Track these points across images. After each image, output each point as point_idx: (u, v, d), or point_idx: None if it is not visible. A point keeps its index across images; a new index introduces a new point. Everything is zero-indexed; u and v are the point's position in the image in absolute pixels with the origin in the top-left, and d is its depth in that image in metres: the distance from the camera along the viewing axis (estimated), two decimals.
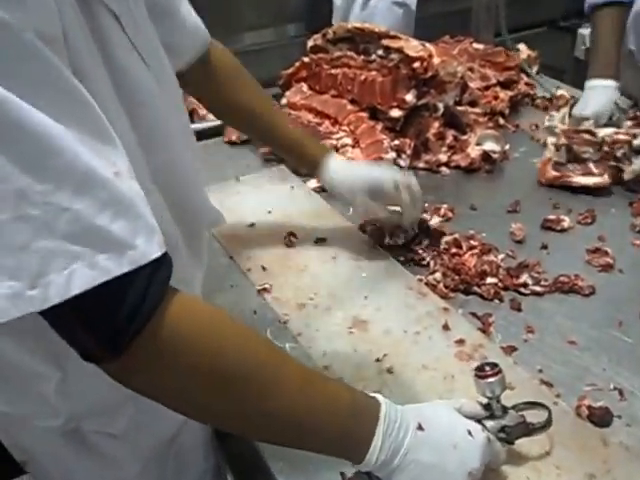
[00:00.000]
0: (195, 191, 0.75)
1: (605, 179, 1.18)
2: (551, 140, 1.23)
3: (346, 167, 1.02)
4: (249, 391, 0.54)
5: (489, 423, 0.65)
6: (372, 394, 0.63)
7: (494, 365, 0.67)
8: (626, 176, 1.18)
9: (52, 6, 0.46)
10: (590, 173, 1.19)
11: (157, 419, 0.70)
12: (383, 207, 1.00)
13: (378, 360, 0.84)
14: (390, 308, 0.94)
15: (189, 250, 0.73)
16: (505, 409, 0.66)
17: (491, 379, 0.65)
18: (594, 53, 1.38)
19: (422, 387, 0.80)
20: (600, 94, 1.32)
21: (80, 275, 0.44)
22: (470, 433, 0.62)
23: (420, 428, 0.60)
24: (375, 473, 0.60)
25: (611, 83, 1.32)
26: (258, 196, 1.22)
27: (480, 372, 0.66)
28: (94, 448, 0.71)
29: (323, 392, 0.58)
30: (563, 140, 1.20)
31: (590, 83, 1.34)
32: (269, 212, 1.16)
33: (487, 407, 0.66)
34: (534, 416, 0.69)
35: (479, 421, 0.65)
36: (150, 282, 0.48)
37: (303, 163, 1.06)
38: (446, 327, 0.89)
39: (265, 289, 0.98)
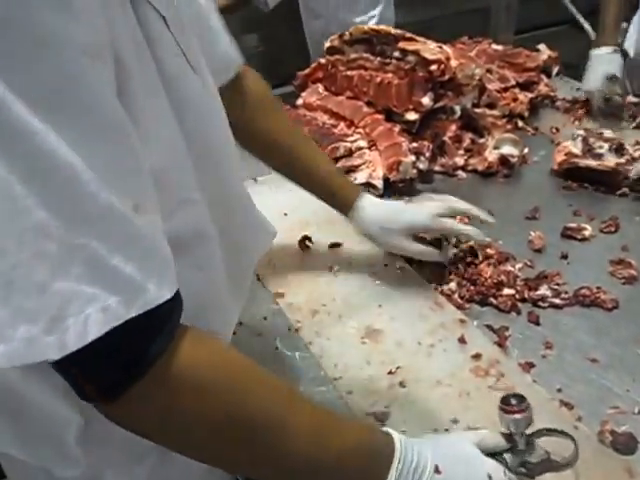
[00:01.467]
0: (244, 207, 0.71)
1: (615, 165, 1.15)
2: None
3: (380, 207, 0.96)
4: (260, 441, 0.51)
5: (509, 456, 0.61)
6: (387, 430, 0.60)
7: (521, 399, 0.61)
8: (632, 174, 1.15)
9: (99, 11, 0.43)
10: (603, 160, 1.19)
11: (180, 470, 0.67)
12: (420, 246, 0.95)
13: (390, 373, 0.82)
14: (404, 318, 0.91)
15: (231, 274, 0.67)
16: (529, 443, 0.62)
17: (517, 415, 0.60)
18: (599, 24, 1.46)
19: (435, 404, 0.77)
20: (601, 63, 1.38)
21: (94, 319, 0.41)
22: (490, 478, 0.58)
23: (437, 471, 0.56)
24: None
25: (608, 49, 1.39)
26: (275, 198, 1.19)
27: (506, 406, 0.61)
28: None
29: (339, 438, 0.55)
30: (581, 132, 1.19)
31: (593, 52, 1.42)
32: (285, 215, 1.14)
33: (509, 438, 0.62)
34: (556, 444, 0.64)
35: (500, 453, 0.61)
36: (158, 326, 0.46)
37: (333, 202, 0.97)
38: (462, 340, 0.86)
39: (278, 294, 0.97)
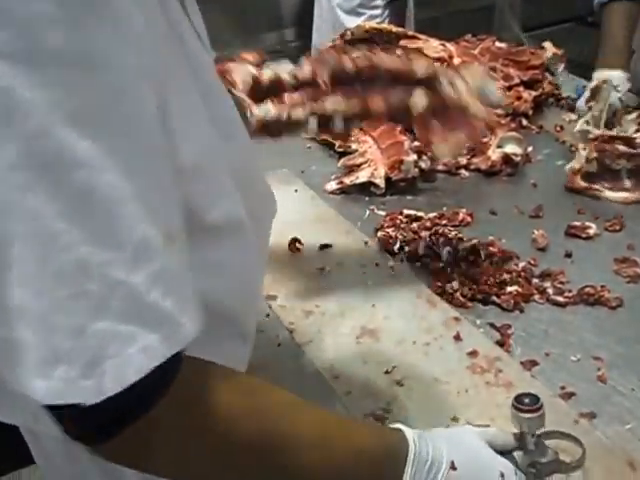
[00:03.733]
0: (262, 181, 0.70)
1: (637, 195, 1.12)
2: (582, 146, 1.16)
3: None
4: (263, 462, 0.49)
5: (519, 454, 0.59)
6: (398, 426, 0.58)
7: (535, 399, 0.60)
8: None
9: (146, 27, 0.41)
10: (622, 188, 1.13)
11: None
12: None
13: (387, 372, 0.80)
14: (398, 317, 0.90)
15: (259, 243, 0.66)
16: (538, 443, 0.60)
17: (529, 415, 0.59)
18: (603, 45, 1.34)
19: (434, 402, 0.76)
20: (607, 86, 1.27)
21: (135, 361, 0.39)
22: (503, 476, 0.56)
23: (453, 467, 0.54)
24: None
25: (619, 74, 1.28)
26: None
27: (519, 404, 0.60)
28: None
29: (347, 443, 0.53)
30: (594, 154, 1.13)
31: (597, 74, 1.31)
32: None
33: (520, 438, 0.60)
34: (565, 447, 0.63)
35: (509, 452, 0.59)
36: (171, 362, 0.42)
37: None
38: (457, 338, 0.84)
39: (270, 296, 0.95)
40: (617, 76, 1.28)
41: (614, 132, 1.18)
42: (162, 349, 0.40)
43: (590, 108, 1.24)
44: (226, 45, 1.79)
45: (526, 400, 0.60)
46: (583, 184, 1.14)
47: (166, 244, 0.41)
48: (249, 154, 0.65)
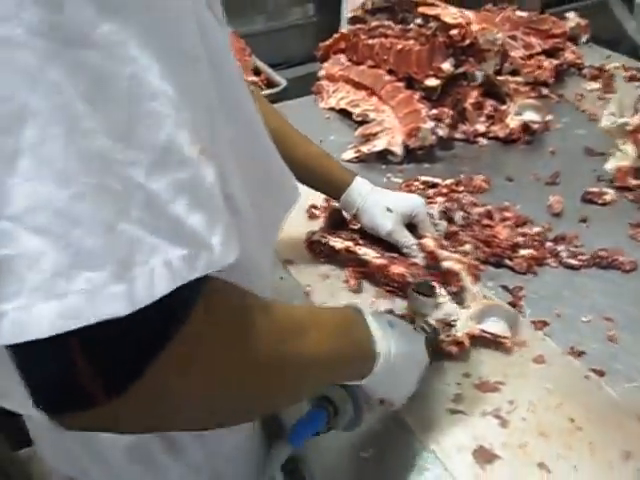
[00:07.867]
0: (273, 163, 0.66)
1: None
2: (622, 141, 1.08)
3: (375, 191, 0.93)
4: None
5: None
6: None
7: (431, 287, 0.75)
8: None
9: None
10: None
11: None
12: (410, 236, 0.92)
13: None
14: None
15: (261, 233, 0.62)
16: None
17: (424, 298, 0.74)
18: None
19: (447, 359, 0.76)
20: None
21: (159, 274, 0.33)
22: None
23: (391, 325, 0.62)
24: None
25: None
26: None
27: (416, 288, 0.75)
28: (160, 467, 0.62)
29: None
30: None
31: None
32: None
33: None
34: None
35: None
36: (191, 297, 0.36)
37: (326, 186, 0.94)
38: None
39: (288, 261, 0.96)
40: None
41: None
42: (185, 268, 0.34)
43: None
44: (248, 21, 1.79)
45: (422, 288, 0.75)
46: (636, 182, 1.06)
47: (200, 157, 0.35)
48: (261, 140, 0.61)
